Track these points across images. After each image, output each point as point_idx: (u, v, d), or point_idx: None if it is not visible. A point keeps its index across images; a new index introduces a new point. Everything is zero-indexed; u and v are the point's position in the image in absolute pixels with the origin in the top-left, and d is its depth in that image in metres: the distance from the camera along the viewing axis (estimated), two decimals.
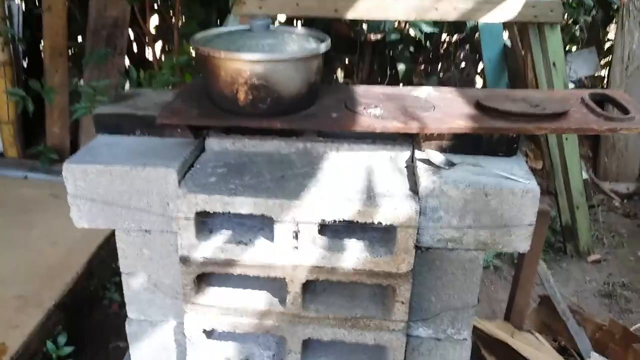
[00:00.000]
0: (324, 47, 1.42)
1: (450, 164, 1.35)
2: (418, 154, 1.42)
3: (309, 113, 1.46)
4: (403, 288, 1.29)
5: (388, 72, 3.75)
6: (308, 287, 1.36)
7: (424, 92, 1.64)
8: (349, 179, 1.36)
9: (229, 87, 1.38)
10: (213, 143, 1.50)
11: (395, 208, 1.23)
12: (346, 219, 1.25)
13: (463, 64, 4.00)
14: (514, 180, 1.28)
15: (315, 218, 1.25)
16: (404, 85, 3.87)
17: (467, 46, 3.91)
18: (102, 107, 1.53)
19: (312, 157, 1.47)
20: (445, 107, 1.51)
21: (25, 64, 3.12)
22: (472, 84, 3.95)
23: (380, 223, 1.25)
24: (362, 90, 1.64)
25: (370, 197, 1.28)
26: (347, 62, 3.91)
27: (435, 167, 1.35)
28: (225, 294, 1.40)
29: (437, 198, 1.28)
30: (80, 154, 1.40)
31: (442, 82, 3.75)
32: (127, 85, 2.50)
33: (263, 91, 1.38)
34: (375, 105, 1.51)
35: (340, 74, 3.97)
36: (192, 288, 1.35)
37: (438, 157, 1.37)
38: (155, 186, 1.33)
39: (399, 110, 1.49)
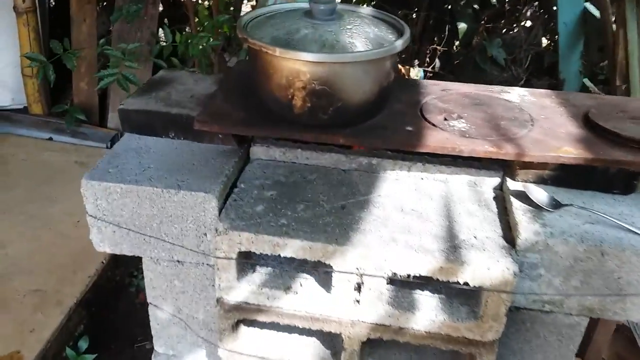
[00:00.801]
0: (401, 43, 1.13)
1: (556, 205, 1.08)
2: (511, 184, 1.15)
3: (378, 124, 1.19)
4: (485, 358, 1.06)
5: (446, 31, 3.38)
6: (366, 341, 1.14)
7: (516, 95, 1.35)
8: (424, 212, 1.11)
9: (283, 90, 1.12)
10: (259, 151, 1.25)
11: (487, 268, 0.98)
12: (423, 274, 1.01)
13: (529, 23, 3.60)
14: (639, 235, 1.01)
15: (385, 270, 1.01)
16: (461, 46, 3.51)
17: (536, 3, 3.49)
18: (130, 100, 1.27)
19: (378, 177, 1.21)
20: (545, 122, 1.22)
21: (50, 11, 2.86)
22: (539, 45, 3.55)
23: (467, 284, 1.00)
24: (439, 90, 1.35)
25: (453, 247, 1.02)
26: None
27: (536, 208, 1.08)
28: (268, 339, 1.18)
29: (539, 253, 1.02)
30: (103, 162, 1.17)
31: (504, 44, 3.37)
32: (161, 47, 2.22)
33: (325, 98, 1.11)
34: (458, 114, 1.23)
35: None
36: (229, 333, 1.14)
37: (540, 195, 1.09)
38: (191, 213, 1.09)
39: (489, 123, 1.21)
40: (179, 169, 1.15)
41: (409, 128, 1.18)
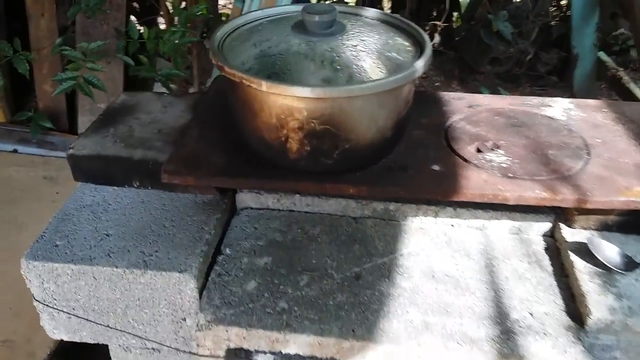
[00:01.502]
0: (423, 63, 0.87)
1: (630, 264, 0.85)
2: (567, 232, 0.91)
3: (395, 163, 0.94)
4: None
5: (446, 4, 3.09)
6: None
7: (559, 109, 1.10)
8: (462, 278, 0.87)
9: (274, 132, 0.86)
10: (248, 199, 1.00)
11: None
12: None
13: None
14: None
15: None
16: (463, 20, 3.23)
17: None
18: (81, 142, 1.02)
19: (398, 227, 0.97)
20: (604, 148, 0.97)
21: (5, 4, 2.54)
22: (546, 16, 3.27)
23: None
24: (465, 106, 1.10)
25: (506, 332, 0.79)
26: None
27: (604, 268, 0.85)
28: None
29: (616, 334, 0.79)
30: (49, 230, 0.92)
31: (510, 16, 3.09)
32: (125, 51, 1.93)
33: (328, 140, 0.86)
34: (493, 142, 0.98)
35: (387, 3, 3.32)
36: None
37: (610, 252, 0.86)
38: (164, 296, 0.85)
39: (533, 153, 0.96)
40: (146, 235, 0.90)
41: (436, 167, 0.93)
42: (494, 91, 3.04)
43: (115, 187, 1.00)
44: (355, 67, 0.85)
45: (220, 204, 0.97)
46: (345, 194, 0.92)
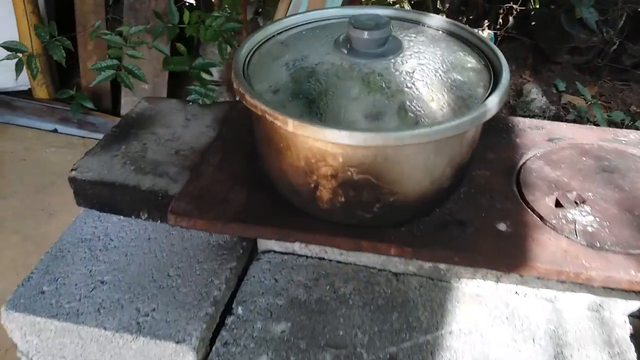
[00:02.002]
0: (497, 100, 0.67)
1: None
2: None
3: (450, 216, 0.76)
4: None
5: None
6: None
7: None
8: None
9: (302, 177, 0.70)
10: (272, 241, 0.85)
11: None
12: None
13: None
14: None
15: None
16: (542, 4, 2.93)
17: None
18: (86, 162, 0.89)
19: (449, 292, 0.79)
20: None
21: None
22: (637, 2, 2.92)
23: None
24: (544, 139, 0.90)
25: None
26: None
27: None
28: None
29: None
30: (38, 272, 0.79)
31: (596, 1, 2.76)
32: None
33: (368, 192, 0.68)
34: (577, 194, 0.78)
35: None
36: None
37: None
38: None
39: (629, 213, 0.76)
40: (145, 285, 0.76)
41: (502, 226, 0.74)
42: (571, 85, 2.76)
43: (122, 217, 0.87)
44: (409, 102, 0.67)
45: (237, 247, 0.82)
46: (385, 253, 0.75)
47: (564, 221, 0.75)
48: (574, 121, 2.42)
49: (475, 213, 0.76)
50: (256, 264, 0.83)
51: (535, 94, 2.82)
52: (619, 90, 2.97)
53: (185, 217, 0.76)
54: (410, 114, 0.67)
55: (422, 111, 0.67)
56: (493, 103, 0.66)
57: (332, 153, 0.65)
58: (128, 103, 2.31)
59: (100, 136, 2.21)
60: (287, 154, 0.69)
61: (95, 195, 0.86)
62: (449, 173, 0.71)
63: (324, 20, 0.85)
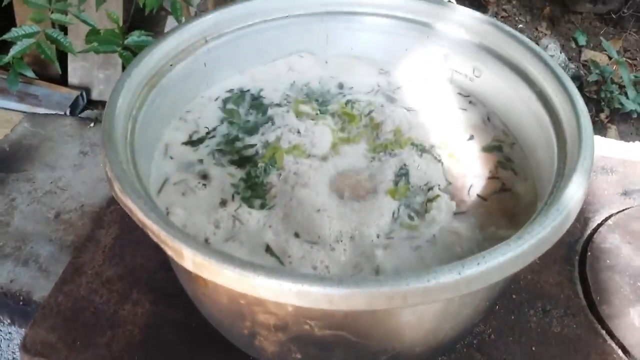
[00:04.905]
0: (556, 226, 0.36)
1: None
2: None
3: (477, 350, 0.46)
4: None
5: None
6: None
7: None
8: None
9: (229, 317, 0.40)
10: None
11: None
12: None
13: None
14: None
15: None
16: None
17: None
18: None
19: None
20: None
21: None
22: None
23: None
24: (616, 191, 0.59)
25: None
26: None
27: None
28: None
29: None
30: None
31: None
32: None
33: (343, 351, 0.38)
34: None
35: None
36: None
37: None
38: None
39: None
40: None
41: None
42: (592, 38, 2.43)
43: None
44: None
45: None
46: None
47: None
48: (596, 83, 2.10)
49: (520, 345, 0.47)
50: None
51: (553, 50, 2.46)
52: None
53: (45, 358, 0.46)
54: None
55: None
56: (555, 230, 0.35)
57: (280, 304, 0.35)
58: (76, 70, 1.95)
59: (44, 111, 1.89)
60: (199, 282, 0.39)
61: None
62: (482, 308, 0.41)
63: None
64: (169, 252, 0.34)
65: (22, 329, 0.56)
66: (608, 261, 0.53)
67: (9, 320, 0.55)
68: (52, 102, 1.85)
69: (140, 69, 0.43)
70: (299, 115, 0.48)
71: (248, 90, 0.51)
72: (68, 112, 1.81)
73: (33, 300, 0.51)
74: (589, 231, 0.56)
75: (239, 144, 0.47)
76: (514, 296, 0.51)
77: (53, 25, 1.25)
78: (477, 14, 0.49)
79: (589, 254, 0.54)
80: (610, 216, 0.57)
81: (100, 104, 1.94)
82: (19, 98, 1.89)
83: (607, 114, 1.95)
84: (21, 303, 0.52)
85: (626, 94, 2.00)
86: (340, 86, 0.53)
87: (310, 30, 0.53)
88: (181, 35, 0.47)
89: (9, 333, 0.56)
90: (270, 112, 0.49)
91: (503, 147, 0.48)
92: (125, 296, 0.50)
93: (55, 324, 0.48)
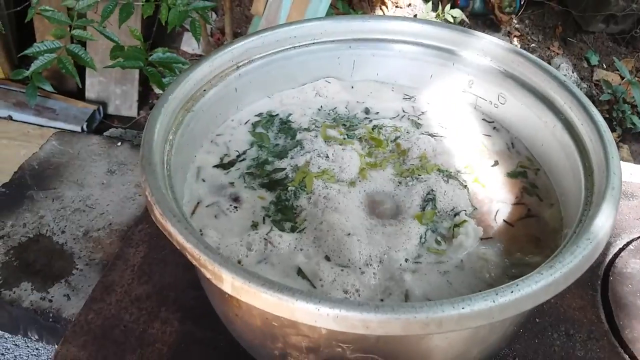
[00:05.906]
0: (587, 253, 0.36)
1: None
2: None
3: None
4: None
5: None
6: None
7: None
8: None
9: (261, 339, 0.41)
10: None
11: None
12: None
13: None
14: None
15: None
16: None
17: None
18: None
19: None
20: None
21: None
22: None
23: None
24: (630, 217, 0.60)
25: None
26: None
27: None
28: None
29: None
30: None
31: None
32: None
33: None
34: None
35: None
36: None
37: None
38: None
39: None
40: None
41: None
42: (604, 58, 2.44)
43: (8, 335, 0.58)
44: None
45: None
46: None
47: None
48: (608, 102, 2.11)
49: None
50: None
51: (565, 70, 2.47)
52: None
53: None
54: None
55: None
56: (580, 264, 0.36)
57: (306, 324, 0.35)
58: (93, 85, 1.98)
59: (61, 125, 1.91)
60: (233, 303, 0.40)
61: None
62: (510, 333, 0.41)
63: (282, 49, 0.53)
64: (208, 275, 0.35)
65: (50, 346, 0.57)
66: (630, 286, 0.53)
67: (36, 337, 0.56)
68: (69, 116, 1.88)
69: (177, 94, 0.45)
70: (327, 139, 0.50)
71: (277, 115, 0.52)
72: (85, 126, 1.84)
73: (62, 318, 0.52)
74: (610, 256, 0.57)
75: (268, 168, 0.48)
76: (537, 320, 0.51)
77: (72, 41, 1.28)
78: (502, 42, 0.51)
79: (611, 278, 0.54)
80: (631, 241, 0.58)
81: (116, 118, 1.96)
82: (37, 112, 1.92)
83: (619, 133, 1.95)
84: (51, 320, 0.53)
85: (638, 114, 2.00)
86: (367, 111, 0.54)
87: (338, 57, 0.54)
88: (214, 62, 0.49)
89: (37, 349, 0.57)
90: (299, 136, 0.50)
91: (528, 173, 0.49)
92: (154, 315, 0.51)
93: (85, 341, 0.49)
